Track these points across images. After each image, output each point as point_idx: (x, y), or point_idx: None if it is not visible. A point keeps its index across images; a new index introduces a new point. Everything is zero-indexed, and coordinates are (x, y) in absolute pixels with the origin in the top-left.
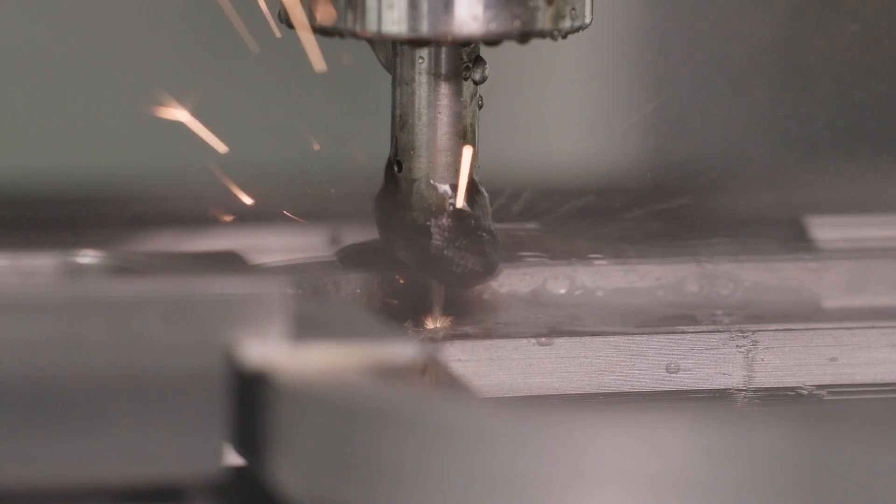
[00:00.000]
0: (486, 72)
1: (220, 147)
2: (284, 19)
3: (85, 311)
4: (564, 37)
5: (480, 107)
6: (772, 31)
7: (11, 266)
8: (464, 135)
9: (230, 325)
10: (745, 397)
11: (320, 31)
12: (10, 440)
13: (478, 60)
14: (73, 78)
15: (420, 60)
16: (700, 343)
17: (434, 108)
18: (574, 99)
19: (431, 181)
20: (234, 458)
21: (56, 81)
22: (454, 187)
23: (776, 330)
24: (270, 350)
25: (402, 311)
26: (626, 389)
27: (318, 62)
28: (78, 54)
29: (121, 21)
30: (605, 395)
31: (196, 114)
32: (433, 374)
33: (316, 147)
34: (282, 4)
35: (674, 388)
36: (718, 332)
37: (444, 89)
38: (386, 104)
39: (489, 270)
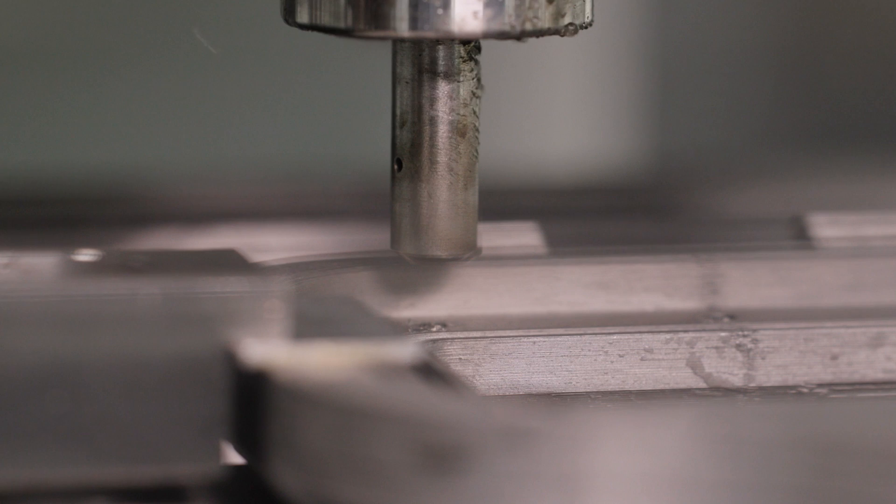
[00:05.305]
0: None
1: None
2: (286, 18)
3: (85, 310)
4: (562, 35)
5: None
6: (773, 30)
7: (11, 265)
8: (464, 133)
9: (230, 324)
10: (745, 397)
11: (321, 29)
12: (10, 440)
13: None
14: (72, 77)
15: (420, 58)
16: (700, 343)
17: (434, 106)
18: (574, 99)
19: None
20: (234, 458)
21: (56, 80)
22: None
23: (776, 329)
24: (270, 350)
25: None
26: (625, 389)
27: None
28: (78, 53)
29: (121, 20)
30: (605, 394)
31: (196, 112)
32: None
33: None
34: (282, 3)
35: (674, 388)
36: (718, 331)
37: (444, 87)
38: (386, 102)
39: None
